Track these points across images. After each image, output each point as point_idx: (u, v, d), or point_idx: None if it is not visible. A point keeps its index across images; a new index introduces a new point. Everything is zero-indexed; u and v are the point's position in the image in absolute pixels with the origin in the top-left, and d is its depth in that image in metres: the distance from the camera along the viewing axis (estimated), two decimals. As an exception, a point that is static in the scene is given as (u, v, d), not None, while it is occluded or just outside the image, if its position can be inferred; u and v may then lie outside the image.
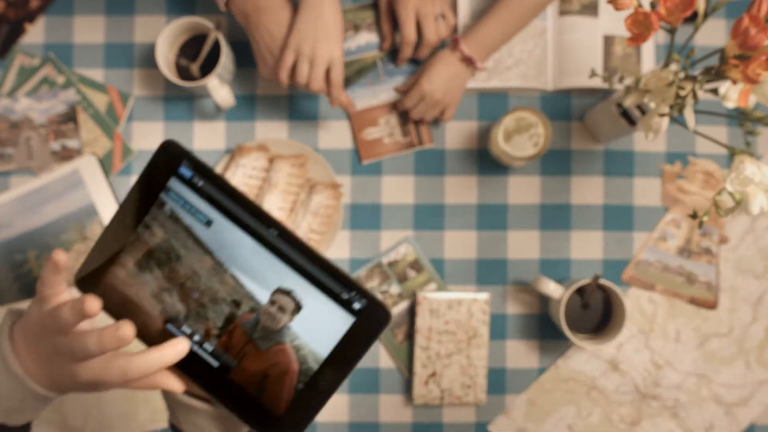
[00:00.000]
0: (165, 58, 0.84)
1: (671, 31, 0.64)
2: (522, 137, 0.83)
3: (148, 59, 0.90)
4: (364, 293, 0.41)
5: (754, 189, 0.61)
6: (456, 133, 0.90)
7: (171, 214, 0.43)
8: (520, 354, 0.89)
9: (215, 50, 0.85)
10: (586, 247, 0.90)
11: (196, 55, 0.86)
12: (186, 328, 0.43)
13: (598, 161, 0.90)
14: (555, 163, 0.90)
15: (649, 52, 0.91)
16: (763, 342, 0.90)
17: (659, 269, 0.90)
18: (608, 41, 0.89)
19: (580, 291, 0.86)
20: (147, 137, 0.90)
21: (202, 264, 0.43)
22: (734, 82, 0.60)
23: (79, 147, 0.89)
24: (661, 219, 0.91)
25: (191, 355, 0.44)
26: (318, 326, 0.42)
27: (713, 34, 0.92)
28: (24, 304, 0.87)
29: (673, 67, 0.68)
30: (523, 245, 0.90)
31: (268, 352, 0.43)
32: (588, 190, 0.90)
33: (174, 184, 0.43)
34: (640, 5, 0.62)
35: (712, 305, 0.90)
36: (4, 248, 0.88)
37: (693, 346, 0.90)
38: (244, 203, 0.42)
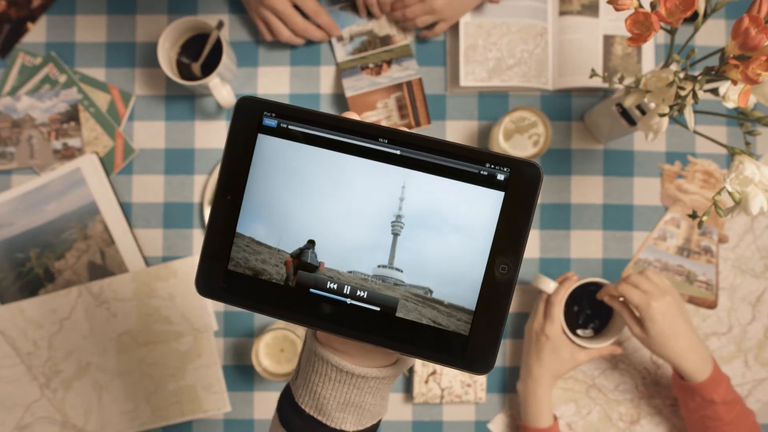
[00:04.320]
0: (166, 57, 0.84)
1: (671, 32, 0.65)
2: (522, 137, 0.83)
3: (149, 58, 0.90)
4: (502, 160, 0.37)
5: (753, 189, 0.61)
6: (456, 133, 0.90)
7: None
8: (519, 353, 0.90)
9: (217, 49, 0.85)
10: (586, 246, 0.90)
11: (197, 54, 0.87)
12: (332, 285, 0.39)
13: (598, 161, 0.91)
14: (555, 162, 0.90)
15: (649, 52, 0.91)
16: (762, 341, 0.91)
17: (659, 268, 0.90)
18: (608, 41, 0.90)
19: (574, 295, 0.86)
20: (148, 136, 0.90)
21: (318, 210, 0.40)
22: (734, 82, 0.60)
23: (80, 146, 0.89)
24: (660, 218, 0.91)
25: (349, 311, 0.39)
26: (467, 217, 0.38)
27: (713, 35, 0.92)
28: (25, 303, 0.87)
29: (673, 67, 0.68)
30: (523, 244, 0.90)
31: None
32: (588, 189, 0.91)
33: (262, 140, 0.40)
34: (640, 6, 0.62)
35: (711, 304, 0.91)
36: (6, 247, 0.89)
37: (692, 345, 0.90)
38: (342, 125, 0.39)
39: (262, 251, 0.40)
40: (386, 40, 0.90)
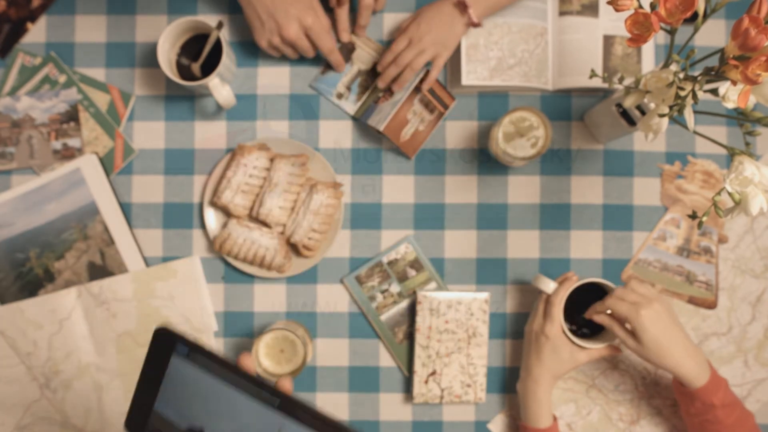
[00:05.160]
0: (166, 57, 0.84)
1: (671, 32, 0.65)
2: (522, 137, 0.83)
3: (149, 58, 0.90)
4: None
5: (753, 189, 0.61)
6: (456, 133, 0.91)
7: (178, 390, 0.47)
8: (519, 353, 0.90)
9: (216, 49, 0.85)
10: (586, 246, 0.90)
11: (197, 54, 0.87)
12: None
13: (597, 161, 0.91)
14: (555, 162, 0.90)
15: (649, 52, 0.91)
16: (762, 341, 0.91)
17: (658, 268, 0.90)
18: (608, 41, 0.90)
19: (574, 295, 0.86)
20: (148, 136, 0.90)
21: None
22: (734, 82, 0.60)
23: (80, 146, 0.89)
24: (660, 218, 0.91)
25: None
26: None
27: (713, 35, 0.92)
28: (25, 303, 0.87)
29: (673, 67, 0.68)
30: (522, 244, 0.90)
31: None
32: (588, 189, 0.91)
33: (175, 361, 0.47)
34: (640, 6, 0.62)
35: (711, 305, 0.91)
36: (6, 247, 0.89)
37: (692, 345, 0.90)
38: (233, 370, 0.46)
39: None
40: (376, 68, 0.90)
